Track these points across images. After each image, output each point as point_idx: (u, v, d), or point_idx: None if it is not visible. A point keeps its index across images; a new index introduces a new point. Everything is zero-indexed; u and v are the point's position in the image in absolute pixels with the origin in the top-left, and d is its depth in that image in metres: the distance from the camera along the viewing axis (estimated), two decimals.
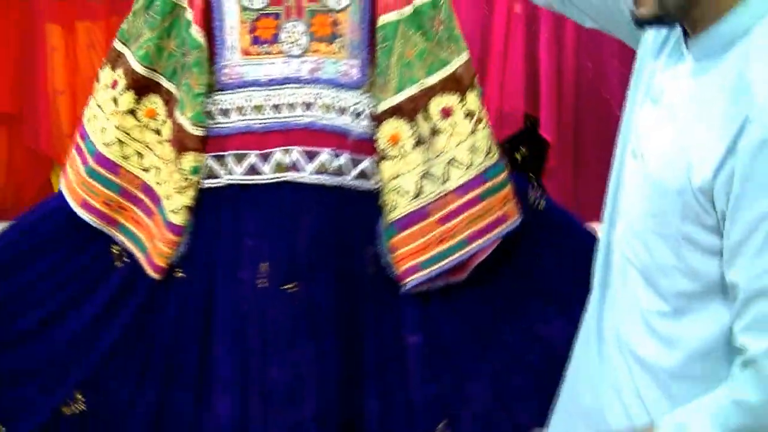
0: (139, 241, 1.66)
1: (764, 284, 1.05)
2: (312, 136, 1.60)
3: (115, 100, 1.66)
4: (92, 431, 1.60)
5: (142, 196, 1.67)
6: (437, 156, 1.61)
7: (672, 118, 1.15)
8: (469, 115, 1.62)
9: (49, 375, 1.61)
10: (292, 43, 1.59)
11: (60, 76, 2.39)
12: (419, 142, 1.59)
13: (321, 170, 1.59)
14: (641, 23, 1.16)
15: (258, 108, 1.59)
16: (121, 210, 1.68)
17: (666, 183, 1.13)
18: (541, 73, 2.35)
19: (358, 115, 1.62)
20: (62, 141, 2.38)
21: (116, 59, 1.69)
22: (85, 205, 1.68)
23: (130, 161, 1.67)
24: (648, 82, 1.25)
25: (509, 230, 1.66)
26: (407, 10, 1.57)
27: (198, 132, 1.60)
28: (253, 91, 1.60)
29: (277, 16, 1.58)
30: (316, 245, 1.58)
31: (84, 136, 1.71)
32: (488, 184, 1.64)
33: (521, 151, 2.42)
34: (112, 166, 1.66)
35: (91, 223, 1.67)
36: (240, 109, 1.60)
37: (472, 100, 1.63)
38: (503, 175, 1.68)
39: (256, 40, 1.59)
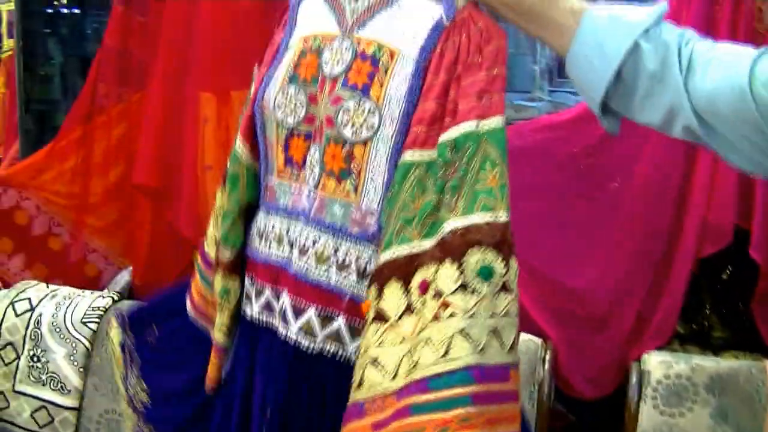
0: None
1: None
2: (299, 287, 1.28)
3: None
4: None
5: None
6: (400, 341, 1.17)
7: None
8: (437, 295, 1.15)
9: None
10: (311, 171, 1.29)
11: (210, 150, 2.20)
12: (380, 318, 1.18)
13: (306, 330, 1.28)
14: None
15: (279, 239, 1.34)
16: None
17: None
18: (757, 181, 2.01)
19: (365, 273, 1.25)
20: (206, 222, 2.16)
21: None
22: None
23: None
24: None
25: None
26: (430, 153, 1.19)
27: (227, 255, 1.39)
28: (279, 218, 1.35)
29: (308, 136, 1.30)
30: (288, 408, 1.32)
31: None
32: (429, 396, 1.14)
33: (727, 271, 2.09)
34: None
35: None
36: (266, 236, 1.36)
37: (446, 274, 1.14)
38: (458, 391, 1.12)
39: (288, 161, 1.34)
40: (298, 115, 1.30)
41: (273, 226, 1.33)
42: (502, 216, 1.14)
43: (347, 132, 1.24)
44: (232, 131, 2.20)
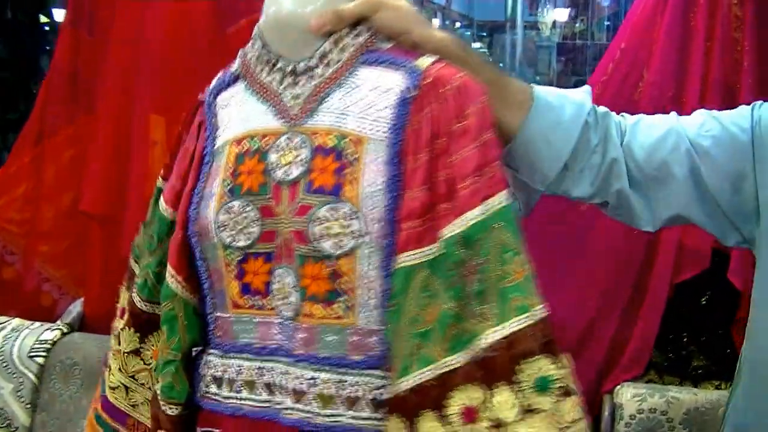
0: None
1: None
2: None
3: (118, 337, 1.27)
4: None
5: None
6: None
7: None
8: (498, 426, 0.98)
9: None
10: (282, 299, 1.09)
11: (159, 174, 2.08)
12: None
13: None
14: None
15: (250, 385, 1.12)
16: None
17: None
18: None
19: (379, 405, 1.06)
20: None
21: (130, 279, 1.30)
22: None
23: (140, 410, 1.28)
24: None
25: None
26: (431, 249, 1.01)
27: (171, 411, 1.18)
28: (245, 359, 1.13)
29: (268, 257, 1.10)
30: None
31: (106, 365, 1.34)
32: None
33: (706, 297, 1.96)
34: (118, 415, 1.29)
35: None
36: (231, 383, 1.14)
37: (504, 400, 0.98)
38: None
39: (246, 289, 1.12)
40: (251, 235, 1.09)
41: (237, 370, 1.13)
42: (539, 310, 0.98)
43: (327, 246, 1.04)
44: None
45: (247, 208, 1.08)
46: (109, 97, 2.15)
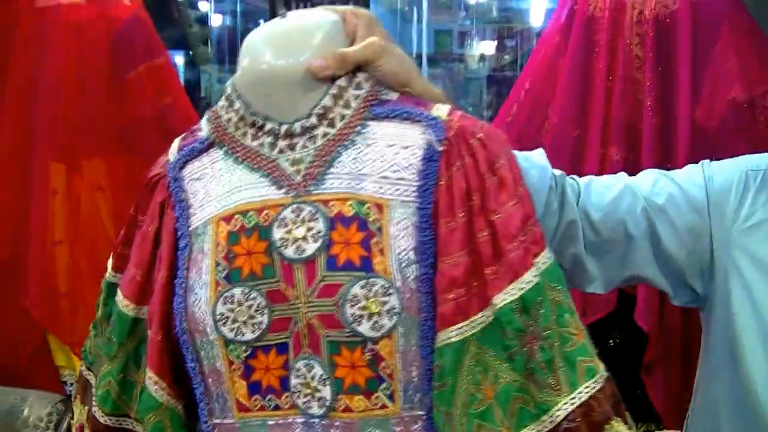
0: None
1: None
2: None
3: None
4: None
5: None
6: None
7: None
8: None
9: None
10: (309, 395, 0.97)
11: (60, 224, 2.04)
12: None
13: None
14: None
15: None
16: None
17: None
18: None
19: None
20: (57, 301, 2.02)
21: (84, 390, 1.15)
22: None
23: None
24: None
25: None
26: (480, 318, 0.92)
27: None
28: None
29: (282, 348, 0.97)
30: None
31: None
32: None
33: (615, 339, 1.95)
34: None
35: None
36: None
37: None
38: None
39: (255, 388, 0.98)
40: (259, 325, 0.96)
41: None
42: (601, 370, 0.93)
43: (365, 329, 0.92)
44: (83, 204, 2.06)
45: (252, 295, 0.95)
46: (5, 144, 2.07)
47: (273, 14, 3.53)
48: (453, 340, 0.90)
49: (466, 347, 0.91)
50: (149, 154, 2.02)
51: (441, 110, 0.98)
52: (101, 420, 1.07)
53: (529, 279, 0.91)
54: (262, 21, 3.97)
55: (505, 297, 0.90)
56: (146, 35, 2.11)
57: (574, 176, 1.26)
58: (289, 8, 3.56)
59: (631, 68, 1.95)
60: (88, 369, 1.14)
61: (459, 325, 0.91)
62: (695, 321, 1.83)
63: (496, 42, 4.33)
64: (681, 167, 1.33)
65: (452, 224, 0.93)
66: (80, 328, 1.97)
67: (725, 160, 1.28)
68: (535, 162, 1.18)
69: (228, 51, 4.58)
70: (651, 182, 1.24)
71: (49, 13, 2.01)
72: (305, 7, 3.43)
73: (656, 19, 1.92)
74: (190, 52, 4.09)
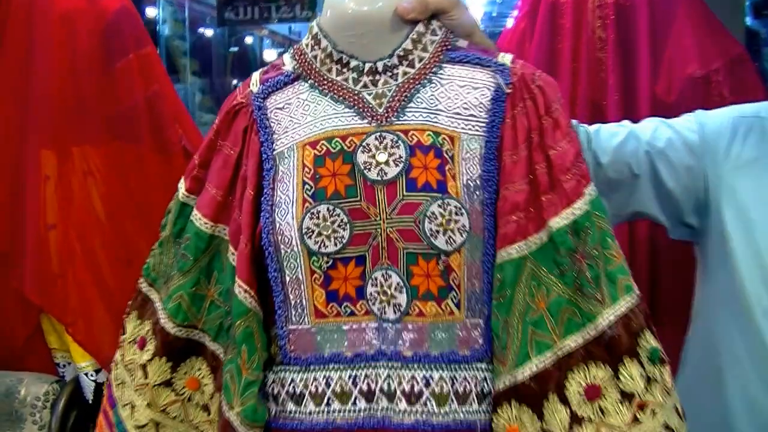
0: None
1: None
2: None
3: (144, 368, 1.18)
4: None
5: None
6: None
7: None
8: (627, 397, 1.03)
9: None
10: (385, 301, 1.06)
11: (52, 209, 2.08)
12: None
13: None
14: None
15: (343, 396, 1.06)
16: None
17: None
18: None
19: (485, 397, 1.07)
20: (51, 283, 2.06)
21: (143, 306, 1.22)
22: None
23: None
24: None
25: None
26: (536, 239, 1.05)
27: None
28: (334, 369, 1.07)
29: (360, 260, 1.06)
30: None
31: (113, 404, 1.25)
32: None
33: None
34: None
35: None
36: (317, 396, 1.07)
37: (633, 374, 1.04)
38: None
39: (332, 296, 1.07)
40: (341, 239, 1.05)
41: (324, 383, 1.07)
42: (636, 288, 1.07)
43: (440, 243, 1.03)
44: (75, 188, 2.10)
45: (336, 212, 1.05)
46: None
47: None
48: (513, 256, 1.04)
49: (523, 263, 1.04)
50: (138, 140, 2.14)
51: (506, 58, 1.12)
52: (171, 331, 1.15)
53: (580, 206, 1.05)
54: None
55: (559, 220, 1.04)
56: (134, 24, 2.17)
57: (583, 124, 1.41)
58: (237, 14, 3.62)
59: (594, 49, 2.07)
60: (150, 286, 1.22)
61: (519, 244, 1.04)
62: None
63: None
64: None
65: (515, 157, 1.06)
66: (74, 308, 2.05)
67: (715, 110, 1.45)
68: None
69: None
70: (652, 129, 1.41)
71: (39, 3, 2.05)
72: (253, 11, 3.49)
73: (616, 2, 2.05)
74: None
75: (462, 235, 1.04)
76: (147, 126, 2.16)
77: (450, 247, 1.04)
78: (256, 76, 1.18)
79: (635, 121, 1.96)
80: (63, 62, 2.08)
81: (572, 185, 1.05)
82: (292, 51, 1.16)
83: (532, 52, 2.13)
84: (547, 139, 1.06)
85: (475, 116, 1.08)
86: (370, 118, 1.08)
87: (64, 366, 2.16)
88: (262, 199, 1.10)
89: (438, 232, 1.03)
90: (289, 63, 1.16)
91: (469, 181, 1.05)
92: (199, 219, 1.15)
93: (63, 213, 2.08)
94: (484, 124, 1.08)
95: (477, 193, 1.06)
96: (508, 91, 1.08)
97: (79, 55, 2.09)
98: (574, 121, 1.36)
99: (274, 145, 1.12)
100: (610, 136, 1.42)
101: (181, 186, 1.21)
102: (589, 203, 1.06)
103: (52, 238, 2.07)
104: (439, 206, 1.03)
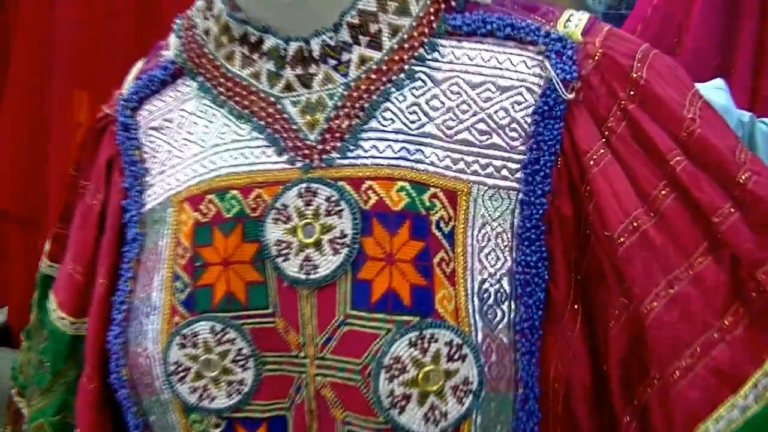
0: None
1: None
2: None
3: None
4: None
5: None
6: None
7: None
8: None
9: None
10: None
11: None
12: None
13: None
14: None
15: None
16: None
17: None
18: None
19: None
20: None
21: (16, 421, 0.87)
22: None
23: None
24: None
25: None
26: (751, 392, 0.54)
27: None
28: None
29: (277, 426, 0.61)
30: None
31: None
32: None
33: None
34: None
35: None
36: None
37: None
38: None
39: None
40: (239, 385, 0.60)
41: None
42: None
43: (413, 421, 0.54)
44: None
45: (227, 335, 0.59)
46: (21, 72, 1.82)
47: None
48: None
49: None
50: None
51: (573, 22, 0.59)
52: None
53: None
54: None
55: None
56: None
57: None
58: None
59: None
60: (19, 395, 0.84)
61: (714, 415, 0.53)
62: None
63: None
64: None
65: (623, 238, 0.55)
66: None
67: None
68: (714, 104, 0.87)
69: None
70: None
71: None
72: None
73: None
74: None
75: (462, 402, 0.53)
76: None
77: (433, 428, 0.53)
78: (137, 65, 0.75)
79: None
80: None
81: None
82: (178, 21, 0.70)
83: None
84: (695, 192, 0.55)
85: (500, 147, 0.57)
86: (293, 152, 0.60)
87: None
88: (114, 297, 0.65)
89: (408, 398, 0.53)
90: (171, 45, 0.70)
91: (488, 286, 0.54)
92: (54, 311, 0.74)
93: None
94: (518, 164, 0.56)
95: (502, 308, 0.54)
96: (569, 96, 0.56)
97: None
98: (746, 116, 0.99)
99: (144, 196, 0.67)
100: None
101: (46, 247, 0.82)
102: None
103: None
104: (412, 344, 0.53)
